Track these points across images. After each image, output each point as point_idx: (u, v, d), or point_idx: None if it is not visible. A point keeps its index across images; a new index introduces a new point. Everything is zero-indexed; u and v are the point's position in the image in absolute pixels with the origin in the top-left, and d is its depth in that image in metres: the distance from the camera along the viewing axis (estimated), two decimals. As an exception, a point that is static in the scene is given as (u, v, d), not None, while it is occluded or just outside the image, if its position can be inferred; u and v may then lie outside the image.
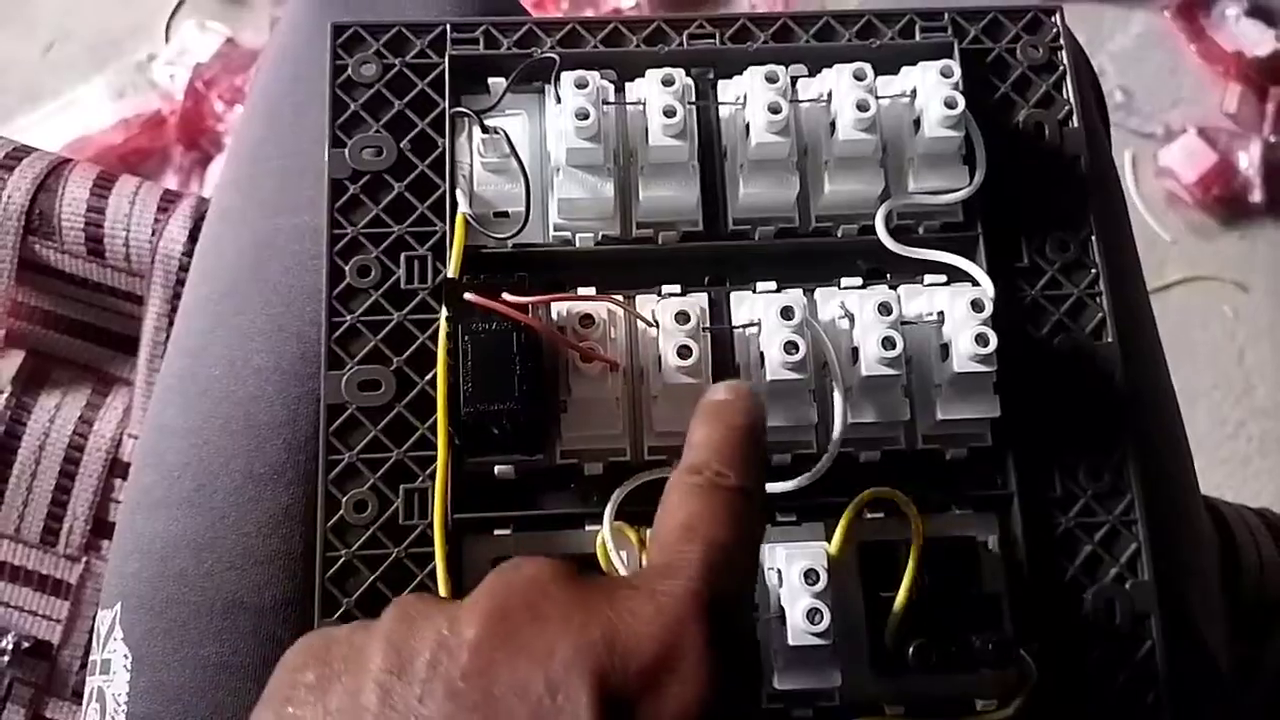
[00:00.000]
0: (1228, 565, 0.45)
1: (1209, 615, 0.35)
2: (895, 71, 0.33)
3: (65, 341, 0.45)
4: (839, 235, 0.33)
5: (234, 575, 0.31)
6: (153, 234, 0.43)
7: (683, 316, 0.30)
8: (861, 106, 0.31)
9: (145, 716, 0.31)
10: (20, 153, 0.44)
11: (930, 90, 0.31)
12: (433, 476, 0.30)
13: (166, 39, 0.95)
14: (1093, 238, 0.33)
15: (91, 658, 0.34)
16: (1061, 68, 0.34)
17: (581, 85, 0.31)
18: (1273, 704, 0.45)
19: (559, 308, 0.30)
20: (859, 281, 0.32)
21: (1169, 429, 0.36)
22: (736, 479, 0.23)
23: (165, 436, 0.33)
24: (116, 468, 0.45)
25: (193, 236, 0.43)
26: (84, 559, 0.44)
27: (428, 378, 0.31)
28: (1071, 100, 0.34)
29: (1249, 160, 0.99)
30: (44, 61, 0.95)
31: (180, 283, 0.43)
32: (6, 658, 0.44)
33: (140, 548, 0.32)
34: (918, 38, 0.34)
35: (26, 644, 0.44)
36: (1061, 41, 0.35)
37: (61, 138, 0.88)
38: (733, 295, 0.32)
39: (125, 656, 0.31)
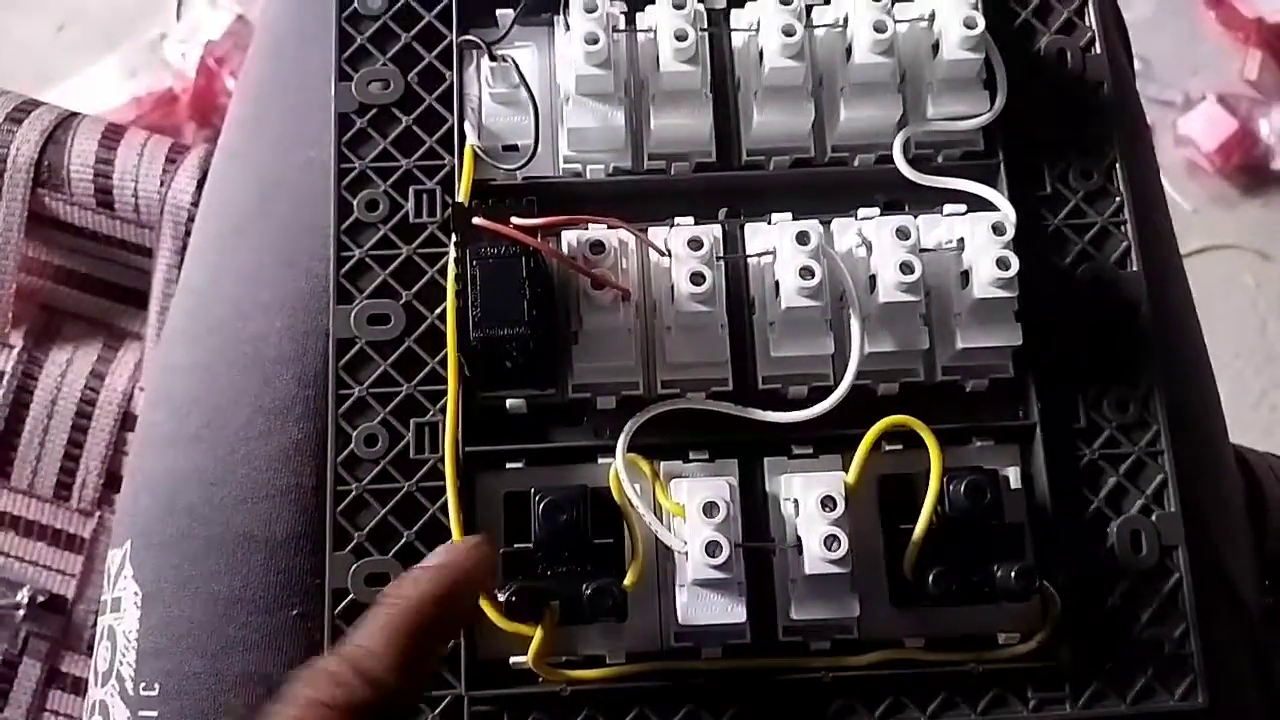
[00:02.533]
0: (1254, 514, 0.44)
1: (1236, 553, 0.34)
2: (913, -1, 0.33)
3: (76, 296, 0.45)
4: (856, 164, 0.32)
5: (244, 509, 0.31)
6: (161, 185, 0.42)
7: (696, 243, 0.29)
8: (879, 28, 0.30)
9: (155, 652, 0.30)
10: (28, 105, 0.44)
11: (949, 11, 0.30)
12: (444, 410, 0.30)
13: (178, 17, 0.94)
14: (1117, 165, 0.32)
15: (102, 597, 0.33)
16: (1083, -7, 0.34)
17: (590, 9, 0.30)
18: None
19: (569, 236, 0.29)
20: (877, 212, 0.31)
21: (1196, 362, 0.35)
22: (379, 678, 0.21)
23: (173, 374, 0.33)
24: (128, 421, 0.44)
25: (200, 187, 0.42)
26: (97, 513, 0.44)
27: (437, 311, 0.31)
28: (1094, 27, 0.33)
29: (1270, 127, 0.97)
30: (56, 42, 0.95)
31: (189, 233, 0.43)
32: (22, 612, 0.44)
33: (149, 485, 0.32)
34: (935, -36, 0.33)
35: (42, 598, 0.44)
36: (1083, -34, 0.34)
37: None
38: (747, 227, 0.31)
39: (135, 594, 0.31)
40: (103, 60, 0.92)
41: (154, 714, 0.30)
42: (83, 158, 0.42)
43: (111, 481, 0.44)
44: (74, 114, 0.44)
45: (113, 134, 0.43)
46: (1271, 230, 0.98)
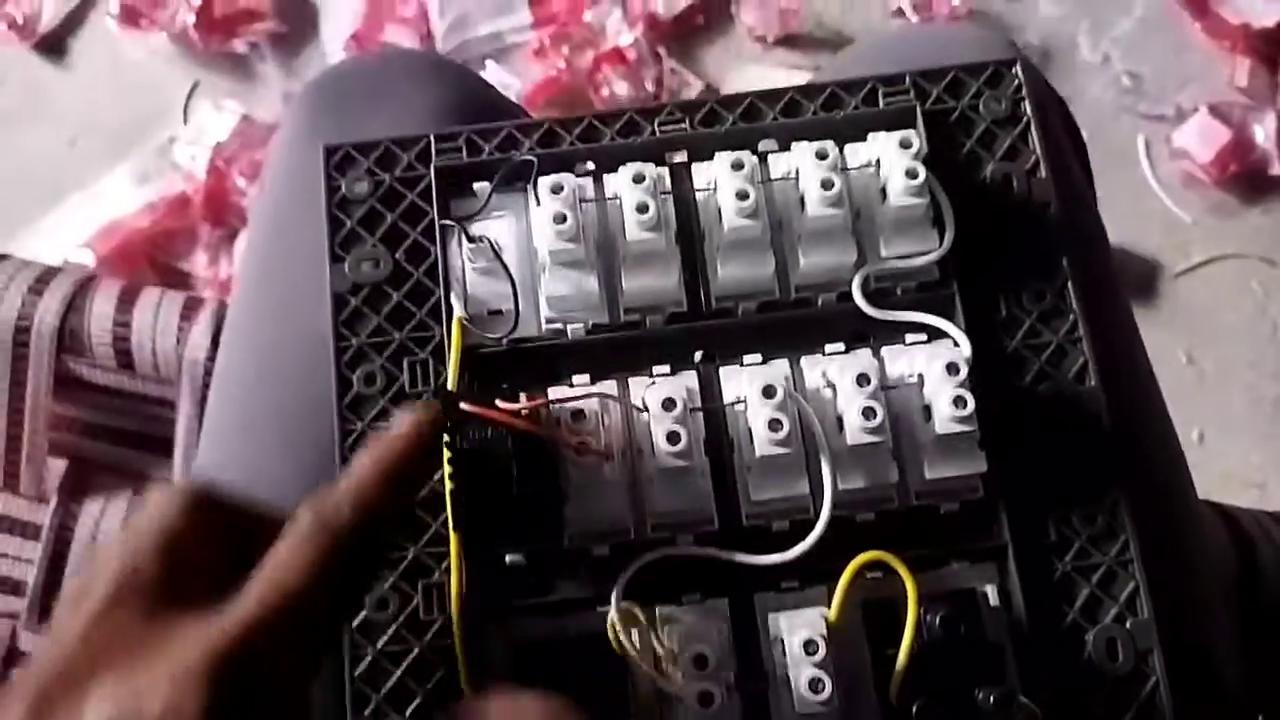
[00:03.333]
0: (1247, 569, 0.45)
1: (1219, 634, 0.35)
2: (864, 138, 0.34)
3: (104, 449, 0.48)
4: (819, 304, 0.34)
5: None
6: (177, 342, 0.45)
7: (669, 403, 0.31)
8: (825, 185, 0.32)
9: None
10: (48, 275, 0.47)
11: (892, 162, 0.32)
12: (448, 572, 0.32)
13: (185, 121, 0.98)
14: (1069, 284, 0.34)
15: None
16: (1025, 118, 0.35)
17: (557, 190, 0.32)
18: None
19: (554, 407, 0.31)
20: (843, 347, 0.33)
21: (1162, 448, 0.37)
22: (344, 520, 0.23)
23: None
24: None
25: (215, 340, 0.45)
26: None
27: (436, 476, 0.33)
28: (1037, 150, 0.35)
29: (1265, 133, 0.98)
30: (70, 154, 0.98)
31: (207, 385, 0.46)
32: None
33: None
34: (881, 104, 0.35)
35: None
36: (1024, 92, 0.35)
37: (90, 226, 0.91)
38: (722, 371, 0.33)
39: None
40: (114, 169, 0.96)
41: None
42: (101, 322, 0.45)
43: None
44: (91, 277, 0.47)
45: (128, 295, 0.46)
46: (1275, 235, 0.98)
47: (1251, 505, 0.49)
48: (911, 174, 0.32)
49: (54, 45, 1.01)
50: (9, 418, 0.47)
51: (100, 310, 0.46)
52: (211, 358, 0.46)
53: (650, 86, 0.96)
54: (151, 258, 0.92)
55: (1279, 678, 0.44)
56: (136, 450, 0.49)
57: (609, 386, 0.33)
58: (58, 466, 0.49)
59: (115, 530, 0.47)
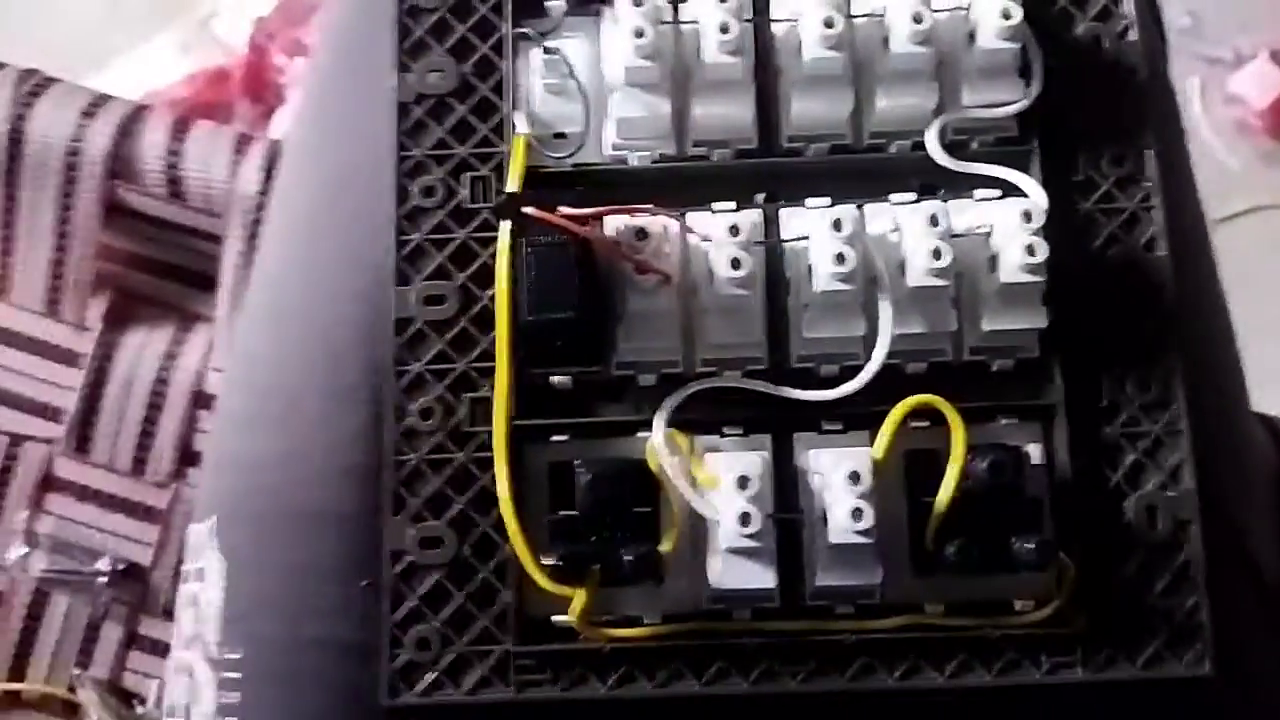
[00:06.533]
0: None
1: (1258, 526, 0.35)
2: (953, -16, 0.33)
3: (149, 281, 0.48)
4: (892, 151, 0.33)
5: (317, 488, 0.33)
6: (229, 175, 0.45)
7: (734, 229, 0.30)
8: (916, 19, 0.31)
9: (237, 618, 0.33)
10: (100, 101, 0.46)
11: (986, 1, 0.31)
12: (494, 387, 0.32)
13: (227, -8, 0.96)
14: (1148, 152, 0.33)
15: (185, 567, 0.36)
16: (1121, -21, 0.34)
17: (638, 2, 0.31)
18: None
19: (615, 223, 0.31)
20: (911, 198, 0.33)
21: (1222, 345, 0.36)
22: None
23: (253, 362, 0.36)
24: (200, 400, 0.47)
25: (266, 177, 0.45)
26: (173, 485, 0.47)
27: (489, 292, 0.33)
28: (1129, 14, 0.34)
29: (1323, 84, 0.96)
30: (110, 20, 0.97)
31: (257, 221, 0.45)
32: (105, 579, 0.47)
33: (232, 465, 0.35)
34: (976, -50, 0.34)
35: (122, 566, 0.48)
36: (1121, -46, 0.34)
37: (130, 94, 0.90)
38: (785, 212, 0.33)
39: (221, 563, 0.34)
40: (156, 38, 0.94)
41: (237, 675, 0.33)
42: (154, 150, 0.45)
43: (185, 456, 0.47)
44: (144, 107, 0.47)
45: (181, 126, 0.46)
46: (1322, 190, 0.97)
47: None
48: (1006, 14, 0.31)
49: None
50: (55, 243, 0.47)
51: (152, 138, 0.46)
52: (262, 193, 0.46)
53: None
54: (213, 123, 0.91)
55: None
56: (181, 284, 0.49)
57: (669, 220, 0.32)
58: (102, 297, 0.48)
59: (155, 362, 0.47)
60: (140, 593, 0.48)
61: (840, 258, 0.30)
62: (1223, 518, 0.33)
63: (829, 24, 0.31)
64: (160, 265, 0.48)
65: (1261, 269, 0.95)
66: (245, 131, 0.46)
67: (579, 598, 0.30)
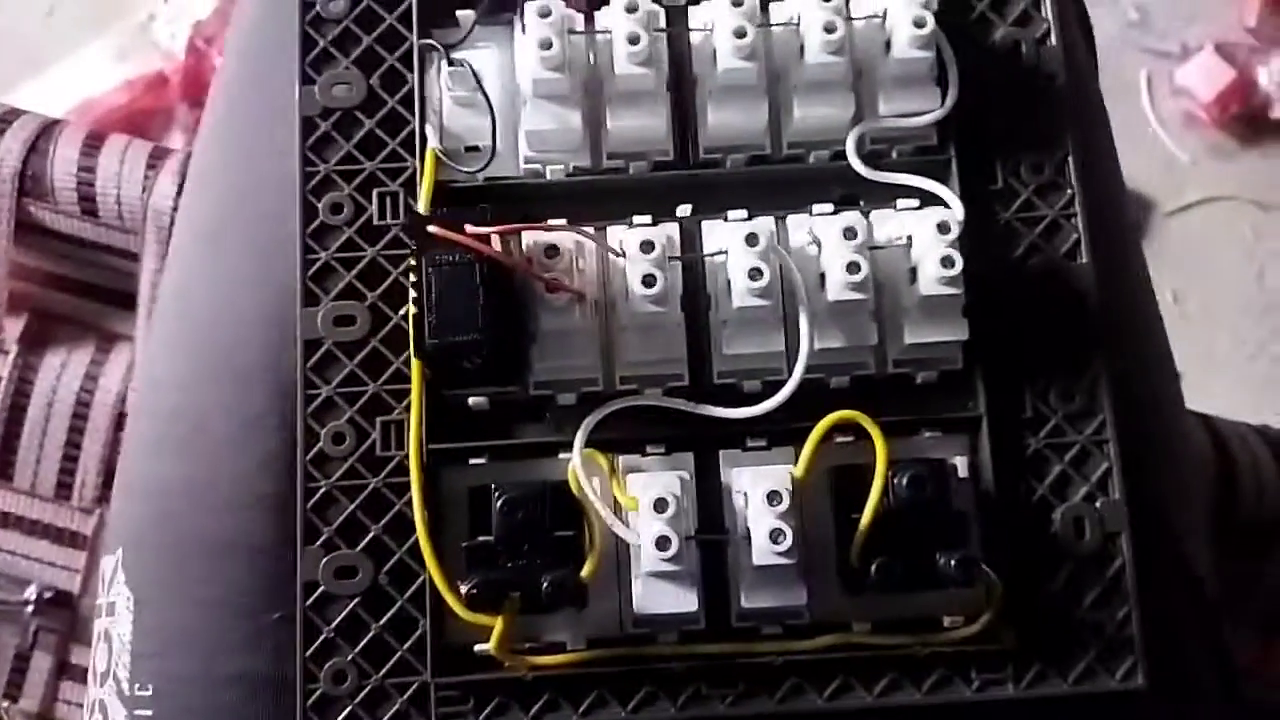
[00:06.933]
0: (1227, 484, 0.45)
1: (1192, 531, 0.35)
2: (870, -9, 0.33)
3: (66, 300, 0.47)
4: (811, 161, 0.33)
5: (225, 517, 0.32)
6: (143, 190, 0.43)
7: (647, 245, 0.30)
8: (829, 29, 0.30)
9: (148, 654, 0.32)
10: (10, 116, 0.45)
11: (900, 10, 0.31)
12: (408, 409, 0.31)
13: (165, -1, 0.94)
14: (1069, 159, 0.33)
15: (98, 601, 0.35)
16: (1039, -17, 0.34)
17: (545, 14, 0.31)
18: (1272, 619, 0.46)
19: (528, 239, 0.30)
20: (831, 208, 0.32)
21: (1154, 349, 0.36)
22: None
23: (157, 384, 0.34)
24: (123, 422, 0.46)
25: (181, 190, 0.43)
26: (97, 510, 0.46)
27: (401, 312, 0.32)
28: (1049, 18, 0.33)
29: (1269, 76, 0.96)
30: (46, 26, 0.95)
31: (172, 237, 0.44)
32: (31, 607, 0.46)
33: (137, 493, 0.34)
34: (893, -44, 0.33)
35: (49, 594, 0.46)
36: (1041, -44, 0.34)
37: (66, 101, 0.88)
38: (704, 224, 0.32)
39: (128, 598, 0.33)
40: (92, 43, 0.92)
41: (149, 713, 0.32)
42: (65, 166, 0.44)
43: (109, 480, 0.46)
44: (56, 122, 0.45)
45: (94, 141, 0.45)
46: (1270, 180, 0.97)
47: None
48: (919, 23, 0.30)
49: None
50: (-34, 263, 0.45)
51: (64, 154, 0.44)
52: (177, 208, 0.45)
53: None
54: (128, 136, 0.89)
55: (1255, 590, 0.44)
56: (99, 303, 0.47)
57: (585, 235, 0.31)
58: (17, 318, 0.47)
59: (75, 384, 0.46)
60: (69, 620, 0.46)
61: (756, 273, 0.29)
62: (1158, 524, 0.33)
63: (740, 34, 0.30)
64: (77, 284, 0.46)
65: (1211, 260, 0.96)
66: (161, 145, 0.44)
67: (497, 626, 0.29)
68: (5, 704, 0.47)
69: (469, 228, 0.29)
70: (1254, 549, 0.44)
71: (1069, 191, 0.32)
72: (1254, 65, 0.98)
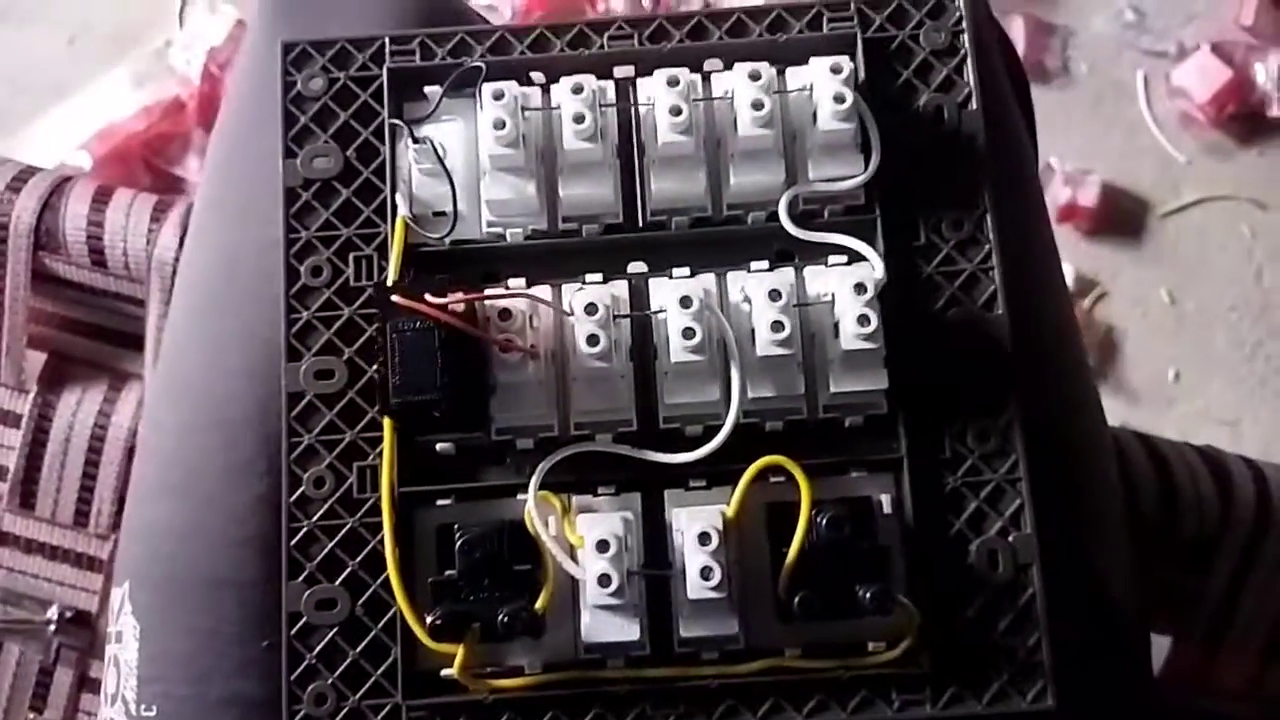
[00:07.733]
0: (1168, 502, 0.47)
1: (1112, 555, 0.38)
2: (805, 62, 0.35)
3: (81, 343, 0.51)
4: (749, 222, 0.35)
5: (221, 555, 0.36)
6: (147, 243, 0.47)
7: (591, 308, 0.33)
8: (756, 105, 0.33)
9: (152, 679, 0.36)
10: (26, 174, 0.49)
11: (822, 86, 0.33)
12: (381, 455, 0.34)
13: (181, 25, 0.98)
14: (987, 215, 0.35)
15: (109, 629, 0.39)
16: (962, 51, 0.36)
17: (498, 97, 0.34)
18: (1213, 633, 0.48)
19: (482, 305, 0.33)
20: (767, 265, 0.35)
21: (1076, 391, 0.38)
22: None
23: (157, 431, 0.38)
24: (134, 453, 0.50)
25: (183, 242, 0.47)
26: (112, 536, 0.50)
27: (375, 366, 0.35)
28: (971, 83, 0.36)
29: (1266, 74, 0.97)
30: (68, 55, 0.99)
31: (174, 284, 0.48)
32: (54, 626, 0.50)
33: (139, 533, 0.38)
34: (825, 30, 0.36)
35: (69, 614, 0.50)
36: (964, 25, 0.36)
37: (88, 128, 0.93)
38: (654, 282, 0.35)
39: (134, 627, 0.37)
40: (112, 71, 0.96)
41: None
42: (75, 221, 0.47)
43: (123, 508, 0.50)
44: (67, 178, 0.49)
45: (102, 196, 0.48)
46: (1268, 179, 0.98)
47: (1223, 444, 0.51)
48: (839, 98, 0.33)
49: (53, -56, 1.00)
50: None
51: (74, 210, 0.48)
52: (179, 258, 0.48)
53: (647, 2, 0.95)
54: (147, 161, 0.93)
55: (1198, 606, 0.46)
56: (111, 345, 0.52)
57: (543, 291, 0.35)
58: (37, 359, 0.51)
59: (90, 420, 0.50)
60: (89, 638, 0.51)
61: (689, 332, 0.32)
62: (1072, 553, 0.35)
63: (675, 111, 0.33)
64: (90, 327, 0.50)
65: (1209, 259, 0.97)
66: (164, 197, 0.48)
67: (460, 653, 0.32)
68: (31, 716, 0.51)
69: (429, 296, 0.32)
70: (1197, 564, 0.47)
71: (986, 246, 0.35)
72: (1251, 64, 0.98)
